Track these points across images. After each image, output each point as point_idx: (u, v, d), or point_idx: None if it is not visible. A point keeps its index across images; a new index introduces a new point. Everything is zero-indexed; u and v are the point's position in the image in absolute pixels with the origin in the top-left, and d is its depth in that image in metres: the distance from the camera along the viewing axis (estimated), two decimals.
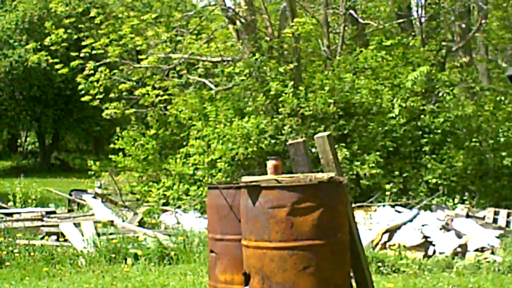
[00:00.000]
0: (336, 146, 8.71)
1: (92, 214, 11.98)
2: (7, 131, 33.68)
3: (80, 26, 17.44)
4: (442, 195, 12.62)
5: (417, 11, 18.78)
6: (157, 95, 15.40)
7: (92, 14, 15.80)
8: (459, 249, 9.09)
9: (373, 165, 12.55)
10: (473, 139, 13.48)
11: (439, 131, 13.40)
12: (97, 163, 16.10)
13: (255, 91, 13.85)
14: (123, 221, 11.19)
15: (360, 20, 16.40)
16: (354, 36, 16.67)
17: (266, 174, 6.71)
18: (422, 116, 13.49)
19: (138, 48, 16.48)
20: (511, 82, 8.44)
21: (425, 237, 9.37)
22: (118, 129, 15.85)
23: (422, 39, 15.63)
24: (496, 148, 13.65)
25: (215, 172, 13.13)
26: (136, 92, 15.48)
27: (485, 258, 8.66)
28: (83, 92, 15.50)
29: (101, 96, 15.19)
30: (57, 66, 15.87)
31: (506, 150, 13.44)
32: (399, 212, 11.12)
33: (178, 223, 11.39)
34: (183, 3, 18.86)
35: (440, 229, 9.78)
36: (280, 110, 13.32)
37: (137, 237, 9.30)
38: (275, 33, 15.11)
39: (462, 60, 16.86)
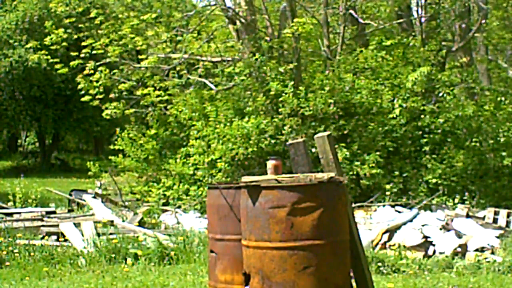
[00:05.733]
0: (336, 146, 8.71)
1: (92, 214, 11.98)
2: (7, 131, 33.68)
3: (80, 26, 17.44)
4: (442, 195, 12.62)
5: (417, 11, 18.78)
6: (157, 96, 15.40)
7: (92, 14, 15.80)
8: (459, 249, 9.08)
9: (373, 165, 12.55)
10: (473, 139, 13.48)
11: (439, 131, 13.41)
12: (96, 164, 16.10)
13: (255, 91, 13.85)
14: (123, 221, 11.19)
15: (360, 20, 16.41)
16: (354, 36, 16.68)
17: (266, 174, 6.70)
18: (422, 116, 13.50)
19: (138, 48, 16.47)
20: None
21: (425, 237, 9.36)
22: (117, 130, 15.86)
23: (422, 39, 15.64)
24: (496, 148, 13.64)
25: (215, 172, 13.13)
26: (138, 93, 15.48)
27: (485, 258, 8.65)
28: (83, 92, 15.51)
29: (101, 96, 15.20)
30: (57, 66, 15.86)
31: (506, 150, 13.44)
32: (399, 212, 11.12)
33: (178, 223, 11.39)
34: (183, 3, 18.84)
35: (440, 229, 9.78)
36: (280, 110, 13.31)
37: (137, 237, 9.29)
38: (275, 33, 15.11)
39: (462, 60, 16.85)
